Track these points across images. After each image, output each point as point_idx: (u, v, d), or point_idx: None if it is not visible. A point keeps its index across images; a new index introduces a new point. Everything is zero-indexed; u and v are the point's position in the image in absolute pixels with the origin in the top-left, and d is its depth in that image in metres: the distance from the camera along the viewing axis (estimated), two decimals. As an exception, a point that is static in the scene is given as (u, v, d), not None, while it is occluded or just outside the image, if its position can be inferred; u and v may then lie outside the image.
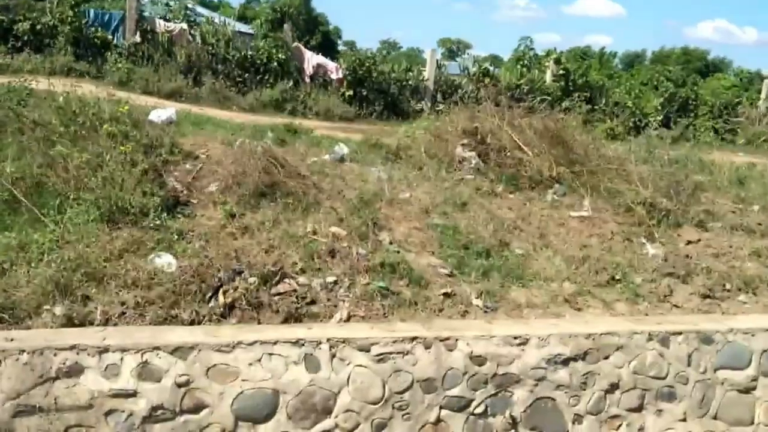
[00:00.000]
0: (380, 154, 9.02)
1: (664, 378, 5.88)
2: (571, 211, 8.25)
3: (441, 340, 5.38)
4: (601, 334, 5.76)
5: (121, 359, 4.68)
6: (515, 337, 5.55)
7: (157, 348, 4.76)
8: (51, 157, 6.65)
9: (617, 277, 7.07)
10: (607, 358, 5.75)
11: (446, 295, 6.26)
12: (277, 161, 7.18)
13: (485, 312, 6.17)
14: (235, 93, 15.71)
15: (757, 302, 7.11)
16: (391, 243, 6.77)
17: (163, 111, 9.03)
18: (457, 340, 5.41)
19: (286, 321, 5.61)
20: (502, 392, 5.50)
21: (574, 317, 6.26)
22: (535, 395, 5.57)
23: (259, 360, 4.95)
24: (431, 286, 6.34)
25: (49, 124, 6.99)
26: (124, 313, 5.31)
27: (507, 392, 5.51)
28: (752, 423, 6.12)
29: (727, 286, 7.25)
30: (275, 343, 5.01)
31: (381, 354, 5.21)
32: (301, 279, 6.03)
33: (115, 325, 5.19)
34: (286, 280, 5.98)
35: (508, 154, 8.71)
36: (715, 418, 6.02)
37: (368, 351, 5.19)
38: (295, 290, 5.89)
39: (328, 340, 5.11)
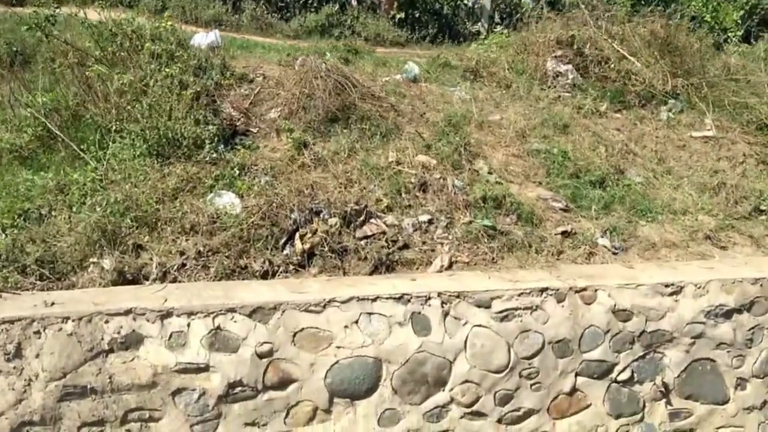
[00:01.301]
0: (456, 73, 7.76)
1: None
2: (692, 131, 6.95)
3: (577, 292, 4.31)
4: (772, 277, 4.60)
5: (188, 325, 3.73)
6: (666, 285, 4.45)
7: (232, 310, 3.79)
8: (88, 84, 5.61)
9: (762, 208, 5.84)
10: (779, 305, 4.62)
11: (565, 233, 5.15)
12: (349, 81, 6.02)
13: (614, 254, 5.07)
14: (278, 19, 14.47)
15: None
16: (490, 173, 5.64)
17: (206, 35, 7.90)
18: (596, 290, 4.33)
19: (376, 270, 4.61)
20: (652, 354, 4.44)
21: (725, 258, 5.10)
22: (692, 356, 4.50)
23: (357, 321, 3.96)
24: (545, 224, 5.23)
25: (84, 47, 5.92)
26: (184, 265, 4.38)
27: (657, 353, 4.46)
28: None
29: None
30: (375, 299, 4.00)
31: (504, 311, 4.17)
32: (389, 218, 4.98)
33: (175, 280, 4.26)
34: (372, 220, 4.94)
35: (612, 66, 7.36)
36: None
37: (489, 307, 4.15)
38: (383, 232, 4.85)
39: (439, 294, 4.09)
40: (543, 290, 4.25)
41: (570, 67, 7.42)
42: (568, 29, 7.70)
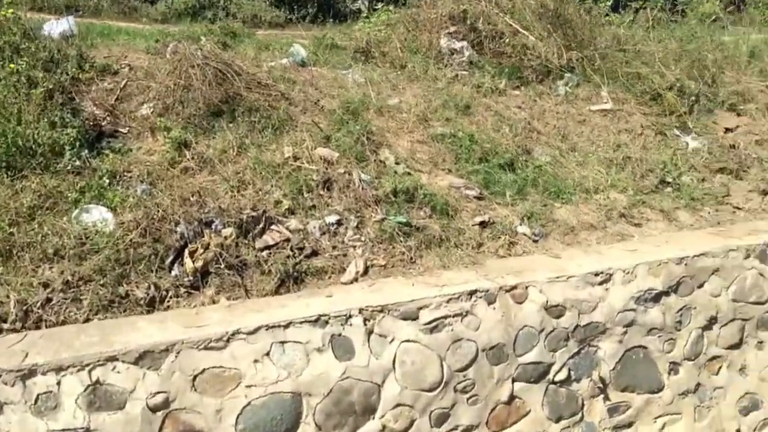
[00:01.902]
0: (346, 54, 7.20)
1: (765, 303, 4.70)
2: (590, 104, 6.82)
3: (507, 291, 3.94)
4: (694, 256, 4.47)
5: (59, 384, 3.00)
6: (596, 274, 4.19)
7: (113, 358, 3.09)
8: None
9: (668, 180, 5.77)
10: (701, 286, 4.50)
11: (483, 224, 4.79)
12: (230, 68, 5.30)
13: (535, 241, 4.77)
14: (142, 2, 13.23)
15: (823, 194, 6.00)
16: (397, 163, 5.16)
17: (57, 22, 6.81)
18: (527, 287, 3.98)
19: (282, 285, 4.04)
20: (586, 348, 4.17)
21: (644, 237, 4.94)
22: (625, 346, 4.28)
23: (268, 353, 3.37)
24: (461, 215, 4.84)
25: None
26: (49, 300, 3.64)
27: (592, 347, 4.19)
28: None
29: (786, 178, 6.09)
30: (287, 325, 3.42)
31: (433, 321, 3.73)
32: (292, 223, 4.40)
33: (40, 320, 3.49)
34: (273, 226, 4.34)
35: (506, 41, 7.07)
36: (822, 342, 4.94)
37: (416, 319, 3.69)
38: (287, 240, 4.26)
39: (360, 311, 3.58)
40: (472, 293, 3.84)
41: (465, 43, 7.06)
42: (459, 3, 7.33)
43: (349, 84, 6.25)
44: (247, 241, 4.18)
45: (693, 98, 6.90)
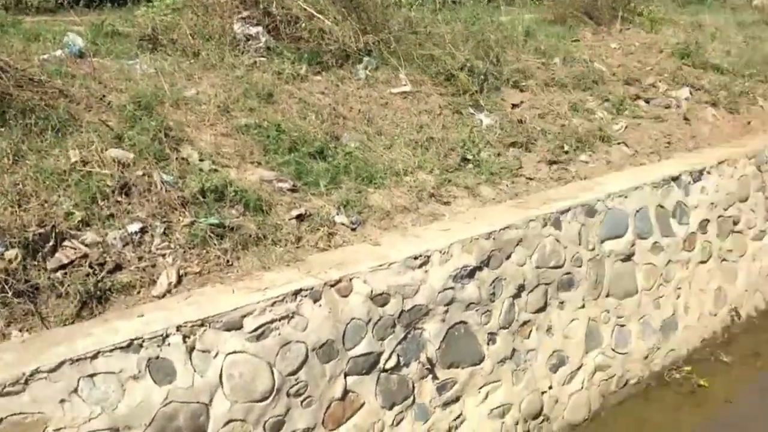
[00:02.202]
0: (130, 42, 6.57)
1: (562, 266, 5.12)
2: (390, 87, 6.91)
3: (332, 286, 3.84)
4: (501, 229, 4.72)
5: None
6: (415, 258, 4.23)
7: None
8: None
9: (468, 157, 6.05)
10: (509, 257, 4.76)
11: (300, 217, 4.63)
12: (-9, 62, 4.54)
13: (353, 229, 4.72)
14: None
15: (597, 160, 6.71)
16: (201, 159, 4.80)
17: None
18: (351, 279, 3.91)
19: (84, 307, 3.57)
20: (412, 332, 4.22)
21: (455, 215, 5.11)
22: (447, 324, 4.40)
23: (76, 390, 2.93)
24: (276, 209, 4.64)
25: None
26: None
27: (417, 330, 4.25)
28: (637, 292, 5.74)
29: (565, 148, 6.70)
30: (95, 356, 3.00)
31: (259, 327, 3.51)
32: (89, 236, 3.90)
33: None
34: (66, 242, 3.82)
35: (303, 25, 6.91)
36: (608, 295, 5.51)
37: (240, 328, 3.45)
38: (85, 256, 3.77)
39: (178, 328, 3.25)
40: (297, 293, 3.68)
41: (260, 29, 6.77)
42: (250, -14, 7.01)
43: (138, 76, 5.69)
44: (36, 262, 3.63)
45: (482, 77, 7.28)
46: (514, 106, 7.31)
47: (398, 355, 4.11)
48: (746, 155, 7.00)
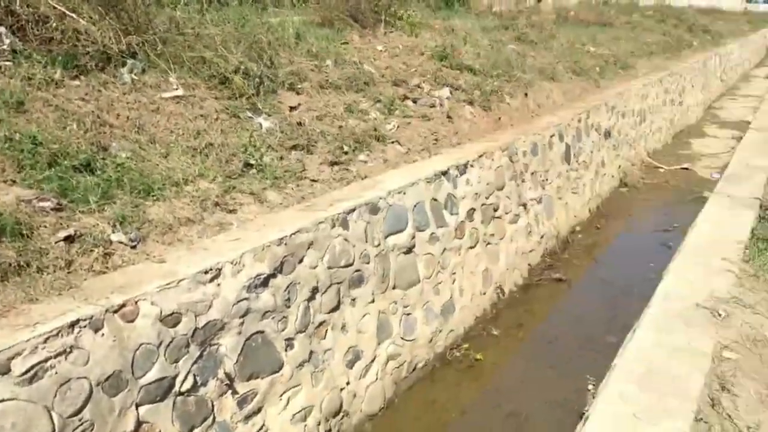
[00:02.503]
0: None
1: (352, 264, 5.27)
2: (161, 92, 6.53)
3: (115, 312, 3.53)
4: (292, 234, 4.71)
5: None
6: (206, 272, 4.06)
7: None
8: None
9: (251, 162, 5.96)
10: (301, 261, 4.78)
11: (69, 239, 4.19)
12: None
13: (133, 247, 4.39)
14: None
15: (375, 159, 7.01)
16: (-61, 182, 4.12)
17: None
18: (137, 302, 3.63)
19: None
20: (208, 349, 4.05)
21: (245, 223, 5.00)
22: (244, 335, 4.30)
23: None
24: (40, 233, 4.15)
25: None
26: None
27: (213, 346, 4.08)
28: (419, 281, 6.11)
29: (345, 149, 6.90)
30: None
31: (31, 368, 3.11)
32: None
33: None
34: None
35: (54, 25, 6.22)
36: (394, 287, 5.79)
37: (8, 372, 3.03)
38: None
39: (-74, 386, 2.74)
40: (74, 324, 3.32)
41: (3, 29, 5.98)
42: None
43: None
44: None
45: (257, 80, 7.20)
46: (292, 108, 7.34)
47: (194, 375, 3.92)
48: (500, 148, 7.79)
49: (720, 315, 3.88)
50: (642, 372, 3.30)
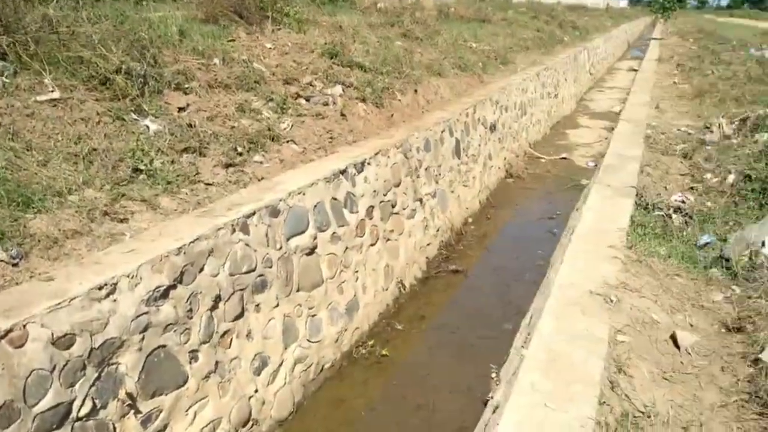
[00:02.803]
0: None
1: (254, 269, 5.15)
2: (36, 95, 6.07)
3: (1, 337, 3.24)
4: (191, 242, 4.53)
5: None
6: (100, 288, 3.82)
7: None
8: None
9: (140, 167, 5.68)
10: (202, 270, 4.61)
11: (-61, 260, 3.81)
12: None
13: (15, 265, 4.06)
14: None
15: (271, 159, 6.88)
16: None
17: None
18: (25, 325, 3.35)
19: None
20: (107, 369, 3.82)
21: (140, 233, 4.75)
22: (145, 351, 4.09)
23: None
24: None
25: None
26: None
27: (112, 366, 3.86)
28: (323, 282, 6.07)
29: (239, 150, 6.74)
30: None
31: None
32: None
33: None
34: None
35: None
36: (298, 290, 5.72)
37: None
38: None
39: None
40: (-46, 356, 3.02)
41: None
42: None
43: None
44: None
45: (141, 80, 6.85)
46: (180, 109, 7.05)
47: (93, 399, 3.68)
48: (395, 145, 7.88)
49: (612, 301, 4.13)
50: (547, 360, 3.46)
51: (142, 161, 5.71)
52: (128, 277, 3.98)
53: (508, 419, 2.95)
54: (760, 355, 3.59)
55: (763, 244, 5.00)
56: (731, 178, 7.24)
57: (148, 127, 6.41)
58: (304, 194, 5.87)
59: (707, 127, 9.86)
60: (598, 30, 35.78)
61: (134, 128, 6.29)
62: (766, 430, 3.05)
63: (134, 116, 6.47)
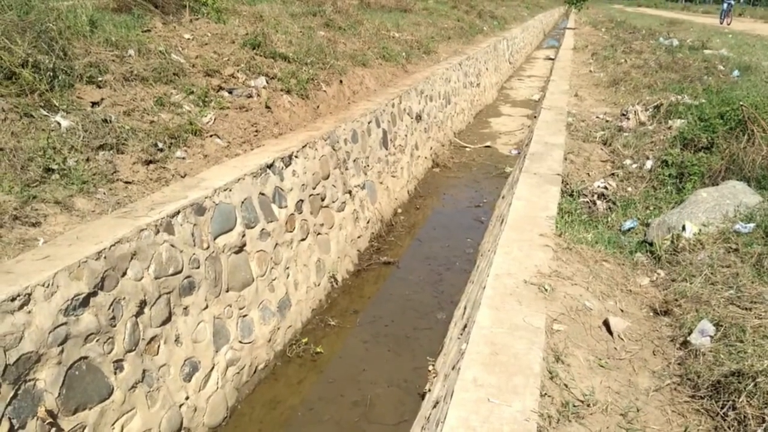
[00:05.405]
0: None
1: (181, 271, 4.92)
2: (-70, 90, 5.59)
3: None
4: (111, 246, 4.27)
5: None
6: (12, 299, 3.53)
7: None
8: None
9: (53, 167, 5.33)
10: (125, 274, 4.36)
11: None
12: None
13: None
14: None
15: (194, 154, 6.62)
16: None
17: None
18: (-72, 346, 3.05)
19: None
20: (24, 386, 3.54)
21: (55, 237, 4.45)
22: (65, 364, 3.82)
23: None
24: None
25: None
26: None
27: (29, 382, 3.58)
28: (253, 280, 5.89)
29: (159, 145, 6.44)
30: None
31: None
32: None
33: None
34: None
35: None
36: (228, 290, 5.52)
37: None
38: None
39: None
40: None
41: None
42: None
43: None
44: None
45: (50, 74, 6.43)
46: (94, 104, 6.66)
47: (10, 419, 3.41)
48: (322, 137, 7.74)
49: (546, 290, 4.17)
50: (488, 353, 3.44)
51: (54, 160, 5.36)
52: (43, 286, 3.70)
53: (453, 416, 2.91)
54: (688, 338, 3.71)
55: (684, 227, 5.18)
56: (649, 163, 7.49)
57: (59, 123, 6.02)
58: (230, 190, 5.66)
59: (624, 114, 10.18)
60: (516, 20, 36.56)
61: (44, 125, 5.89)
62: (699, 412, 3.14)
63: (44, 112, 6.07)
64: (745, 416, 2.91)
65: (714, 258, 4.57)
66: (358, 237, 8.56)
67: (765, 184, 5.87)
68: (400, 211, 10.51)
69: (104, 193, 5.35)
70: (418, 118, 12.20)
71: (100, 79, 7.06)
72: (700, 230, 5.06)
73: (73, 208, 4.98)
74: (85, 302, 3.95)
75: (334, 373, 6.35)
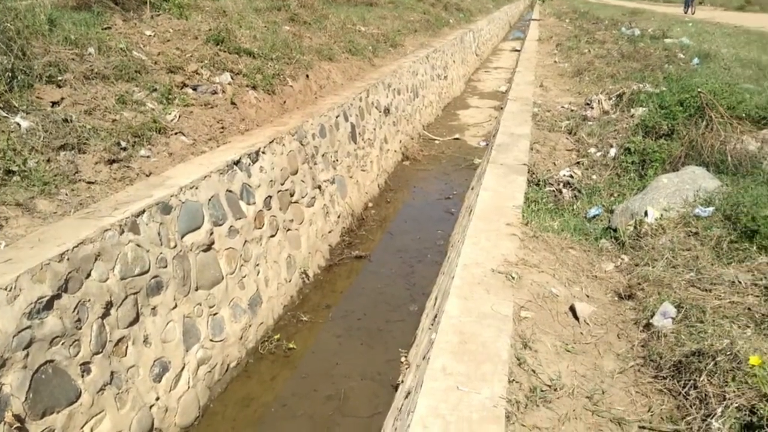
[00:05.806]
0: None
1: (148, 271, 4.87)
2: None
3: None
4: (74, 247, 4.21)
5: None
6: (-27, 304, 3.46)
7: None
8: None
9: (13, 169, 5.23)
10: (89, 275, 4.30)
11: None
12: None
13: None
14: None
15: (159, 153, 6.54)
16: None
17: None
18: None
19: None
20: (-13, 392, 3.48)
21: (16, 240, 4.37)
22: (31, 369, 3.76)
23: None
24: None
25: None
26: None
27: (-7, 388, 3.52)
28: (223, 278, 5.85)
29: (123, 144, 6.36)
30: None
31: None
32: None
33: None
34: None
35: None
36: (197, 289, 5.48)
37: None
38: None
39: None
40: None
41: None
42: None
43: None
44: None
45: (9, 74, 6.30)
46: (54, 103, 6.54)
47: (-26, 426, 3.35)
48: (290, 132, 7.71)
49: (513, 278, 4.22)
50: (457, 342, 3.48)
51: (14, 162, 5.26)
52: (5, 289, 3.64)
53: (422, 405, 2.94)
54: (651, 320, 3.79)
55: (646, 213, 5.28)
56: (613, 151, 7.61)
57: (18, 124, 5.90)
58: (197, 188, 5.62)
59: (588, 104, 10.33)
60: (482, 12, 36.73)
61: (3, 126, 5.78)
62: (662, 391, 3.22)
63: (3, 113, 5.95)
64: (706, 394, 2.99)
65: (675, 242, 4.67)
66: (329, 232, 8.55)
67: (723, 169, 6.01)
68: (370, 204, 10.52)
69: (66, 194, 5.27)
70: (387, 111, 12.21)
71: (59, 78, 6.93)
72: (661, 215, 5.16)
73: (35, 209, 4.90)
74: (49, 305, 3.90)
75: (308, 368, 6.35)
